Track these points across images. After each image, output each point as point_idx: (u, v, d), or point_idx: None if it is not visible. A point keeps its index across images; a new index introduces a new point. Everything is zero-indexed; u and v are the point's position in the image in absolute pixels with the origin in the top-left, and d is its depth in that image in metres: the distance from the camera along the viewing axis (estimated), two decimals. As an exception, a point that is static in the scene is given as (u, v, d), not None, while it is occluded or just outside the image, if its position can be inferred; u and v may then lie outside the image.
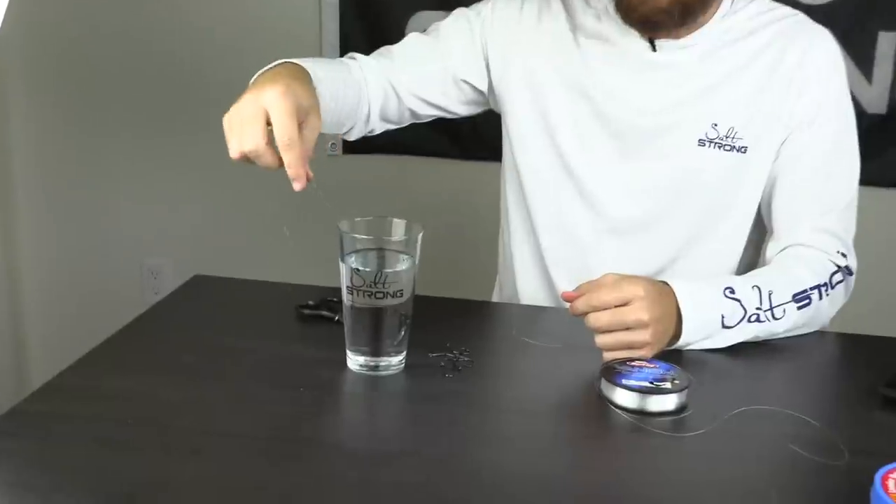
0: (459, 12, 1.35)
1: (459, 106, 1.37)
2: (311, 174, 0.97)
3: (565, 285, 1.29)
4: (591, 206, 1.30)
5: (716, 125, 1.24)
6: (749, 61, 1.24)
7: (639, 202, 1.29)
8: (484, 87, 1.35)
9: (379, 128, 1.35)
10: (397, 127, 1.37)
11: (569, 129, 1.29)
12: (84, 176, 2.51)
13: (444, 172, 2.30)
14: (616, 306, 1.05)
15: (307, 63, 1.11)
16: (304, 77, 1.05)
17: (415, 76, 1.32)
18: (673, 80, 1.25)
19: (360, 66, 1.30)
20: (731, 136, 1.24)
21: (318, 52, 2.29)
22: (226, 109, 0.98)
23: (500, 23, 1.32)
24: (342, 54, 2.19)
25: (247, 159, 0.97)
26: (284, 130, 0.95)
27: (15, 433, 0.91)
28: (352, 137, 1.34)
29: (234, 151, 0.97)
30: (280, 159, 0.96)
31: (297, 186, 0.96)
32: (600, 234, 1.31)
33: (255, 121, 0.95)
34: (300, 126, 0.97)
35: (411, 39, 1.35)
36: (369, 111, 1.30)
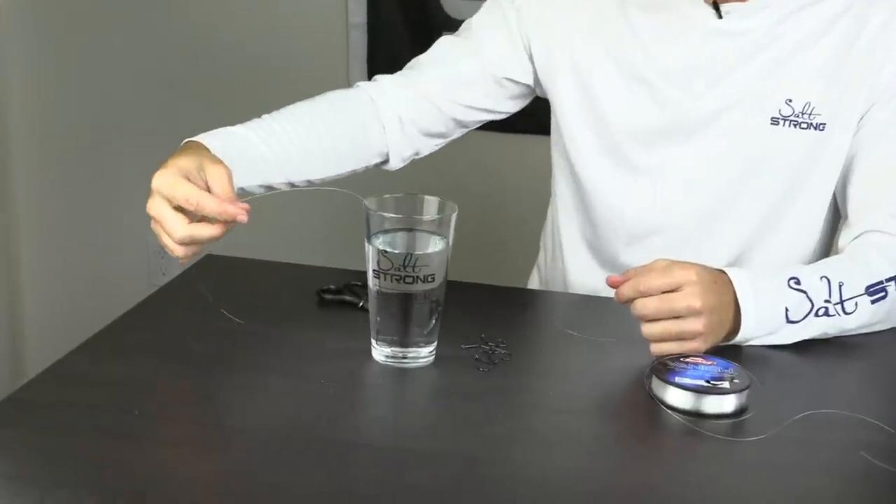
0: (492, 3, 1.35)
1: (506, 103, 1.37)
2: (245, 206, 1.02)
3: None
4: (649, 198, 1.30)
5: (790, 101, 1.23)
6: (826, 27, 1.22)
7: (703, 192, 1.28)
8: (529, 81, 1.35)
9: (425, 147, 1.36)
10: (447, 141, 1.38)
11: (621, 115, 1.29)
12: (85, 149, 2.53)
13: (482, 146, 2.29)
14: (666, 292, 1.05)
15: (212, 135, 1.15)
16: (191, 148, 1.10)
17: (449, 83, 1.32)
18: (741, 51, 1.23)
19: (367, 91, 1.31)
20: (808, 112, 1.23)
21: (346, 66, 2.31)
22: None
23: (538, 7, 1.31)
24: (370, 69, 2.15)
25: (193, 242, 1.03)
26: (183, 196, 1.01)
27: (12, 423, 0.92)
28: (391, 167, 1.34)
29: (177, 250, 1.03)
30: (215, 223, 1.02)
31: (241, 219, 1.01)
32: (659, 228, 1.31)
33: (164, 213, 1.02)
34: (204, 182, 1.03)
35: (441, 43, 1.35)
36: (388, 137, 1.30)
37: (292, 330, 1.12)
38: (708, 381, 0.99)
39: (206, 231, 1.02)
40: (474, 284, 1.25)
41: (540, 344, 1.16)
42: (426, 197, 1.06)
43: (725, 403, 0.98)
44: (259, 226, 2.57)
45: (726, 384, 0.99)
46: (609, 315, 1.18)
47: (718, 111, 1.25)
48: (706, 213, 1.28)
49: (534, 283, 1.52)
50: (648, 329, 1.06)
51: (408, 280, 1.01)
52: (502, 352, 1.09)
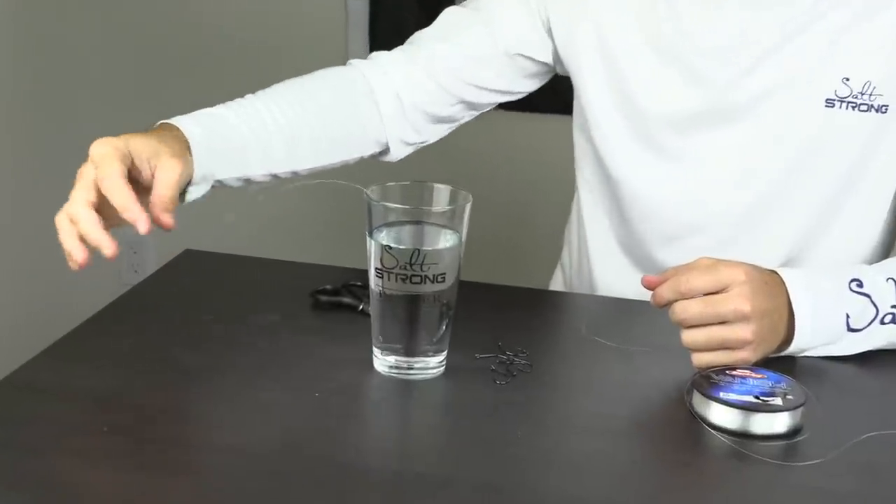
0: None
1: (522, 82, 1.37)
2: (168, 221, 1.01)
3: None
4: (686, 190, 1.30)
5: (848, 80, 1.22)
6: None
7: (748, 184, 1.28)
8: (548, 59, 1.35)
9: (432, 133, 1.36)
10: (455, 126, 1.38)
11: (653, 99, 1.29)
12: (51, 128, 2.55)
13: (500, 127, 2.29)
14: (710, 294, 1.04)
15: (191, 118, 1.15)
16: (161, 129, 1.10)
17: (456, 60, 1.32)
18: (792, 23, 1.23)
19: (360, 69, 1.30)
20: (868, 92, 1.22)
21: (344, 37, 2.31)
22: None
23: None
24: (371, 41, 2.21)
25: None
26: (106, 187, 0.99)
27: (-35, 440, 0.92)
28: (392, 158, 1.35)
29: (75, 253, 1.01)
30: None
31: (141, 229, 0.99)
32: (698, 225, 1.31)
33: (81, 202, 1.00)
34: (152, 172, 1.03)
35: (446, 15, 1.35)
36: (385, 122, 1.31)
37: (283, 336, 1.12)
38: (757, 397, 0.99)
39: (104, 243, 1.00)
40: (490, 285, 1.26)
41: (565, 353, 1.16)
42: (436, 185, 1.06)
43: (777, 423, 0.97)
44: (246, 217, 2.61)
45: (778, 400, 0.98)
46: (644, 321, 1.18)
47: (764, 93, 1.24)
48: (751, 208, 1.28)
49: (557, 285, 1.52)
50: (690, 336, 1.05)
51: (415, 280, 1.01)
52: (522, 362, 1.09)
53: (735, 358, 1.05)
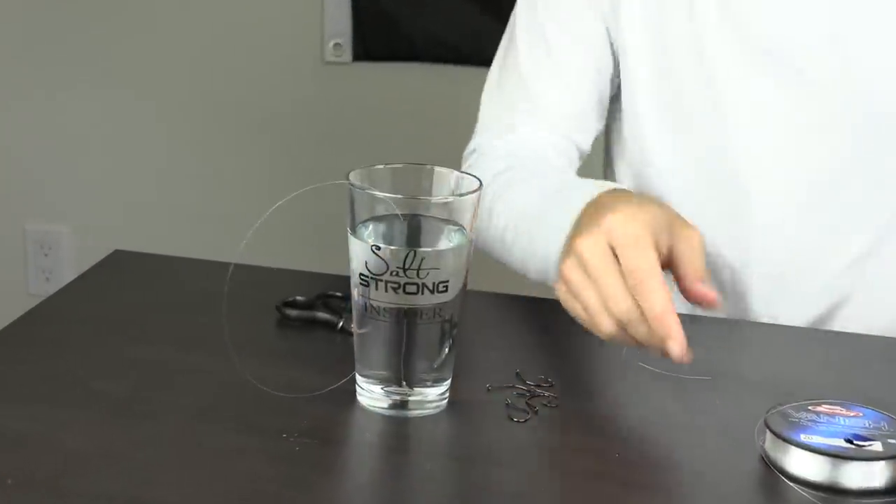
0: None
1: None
2: (712, 295, 1.07)
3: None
4: (746, 163, 1.35)
5: None
6: None
7: (827, 150, 1.32)
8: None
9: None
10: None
11: (694, 59, 1.35)
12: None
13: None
14: None
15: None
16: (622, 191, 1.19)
17: (567, 120, 1.44)
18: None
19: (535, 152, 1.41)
20: None
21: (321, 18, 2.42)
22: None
23: None
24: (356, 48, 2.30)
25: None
26: (635, 267, 1.04)
27: None
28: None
29: (604, 324, 1.06)
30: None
31: (676, 352, 1.02)
32: (763, 205, 1.35)
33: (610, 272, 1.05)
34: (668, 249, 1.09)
35: (531, 74, 1.43)
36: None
37: (241, 362, 1.09)
38: (850, 441, 0.98)
39: (639, 328, 1.04)
40: (505, 296, 1.27)
41: (600, 384, 1.16)
42: (437, 168, 1.05)
43: (876, 474, 0.96)
44: (194, 211, 2.61)
45: (877, 445, 0.97)
46: (701, 339, 1.15)
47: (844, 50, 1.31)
48: (826, 185, 1.34)
49: None
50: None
51: (410, 289, 1.00)
52: (546, 395, 1.08)
53: None
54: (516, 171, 1.36)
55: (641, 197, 1.17)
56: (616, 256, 1.05)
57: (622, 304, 1.03)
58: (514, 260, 1.30)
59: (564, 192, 1.21)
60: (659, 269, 1.04)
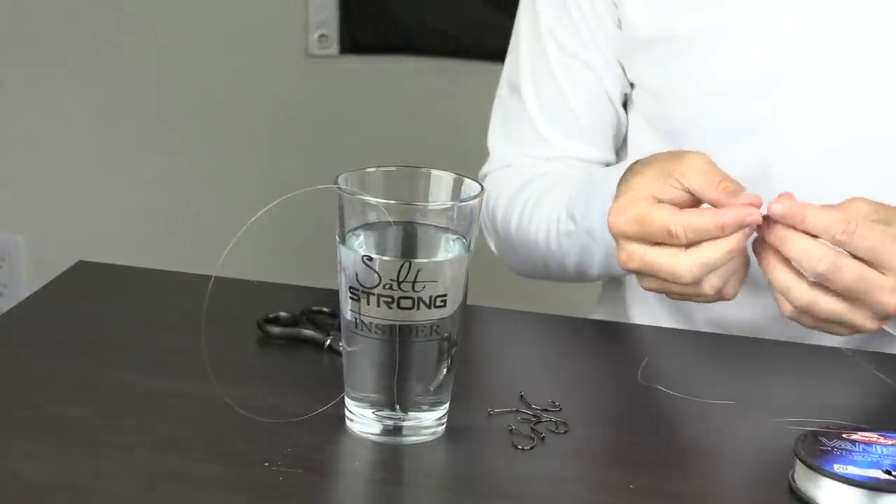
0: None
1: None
2: (754, 199, 1.11)
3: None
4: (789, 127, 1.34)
5: None
6: None
7: (861, 163, 1.32)
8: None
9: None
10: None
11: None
12: None
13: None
14: (865, 260, 1.09)
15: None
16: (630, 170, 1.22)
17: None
18: None
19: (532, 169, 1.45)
20: None
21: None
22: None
23: None
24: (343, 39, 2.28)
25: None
26: (661, 229, 1.12)
27: None
28: None
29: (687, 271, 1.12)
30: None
31: (752, 220, 1.10)
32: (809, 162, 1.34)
33: (648, 259, 1.14)
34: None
35: (539, 116, 1.46)
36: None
37: (219, 383, 1.07)
38: (889, 472, 0.96)
39: (711, 253, 1.10)
40: (509, 312, 1.25)
41: (613, 408, 1.14)
42: (434, 171, 1.05)
43: (916, 508, 0.95)
44: (165, 222, 2.59)
45: None
46: (722, 361, 1.19)
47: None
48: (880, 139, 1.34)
49: (602, 311, 1.55)
50: (822, 303, 1.10)
51: (404, 304, 0.99)
52: (554, 420, 1.07)
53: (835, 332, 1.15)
54: (539, 182, 1.40)
55: (641, 163, 1.20)
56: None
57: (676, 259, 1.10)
58: (569, 258, 1.36)
59: (597, 177, 1.31)
60: (672, 215, 1.10)
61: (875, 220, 1.10)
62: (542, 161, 1.45)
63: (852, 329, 1.13)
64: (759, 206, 1.09)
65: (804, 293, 1.10)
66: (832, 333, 1.16)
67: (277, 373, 1.14)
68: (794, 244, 1.09)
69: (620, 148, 1.48)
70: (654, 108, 1.41)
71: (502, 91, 1.50)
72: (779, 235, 1.10)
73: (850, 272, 1.09)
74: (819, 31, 1.32)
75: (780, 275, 1.11)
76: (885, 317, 1.11)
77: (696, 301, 1.15)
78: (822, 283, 1.10)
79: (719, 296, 1.12)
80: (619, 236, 1.13)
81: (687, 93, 1.38)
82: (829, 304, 1.10)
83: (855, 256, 1.09)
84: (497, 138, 1.49)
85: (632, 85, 1.44)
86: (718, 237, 1.10)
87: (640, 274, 1.14)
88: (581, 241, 1.33)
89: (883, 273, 1.09)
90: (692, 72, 1.37)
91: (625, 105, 1.46)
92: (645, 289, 1.16)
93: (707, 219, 1.09)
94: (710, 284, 1.11)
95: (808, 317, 1.12)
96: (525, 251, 1.41)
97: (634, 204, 1.12)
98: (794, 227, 1.09)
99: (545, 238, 1.37)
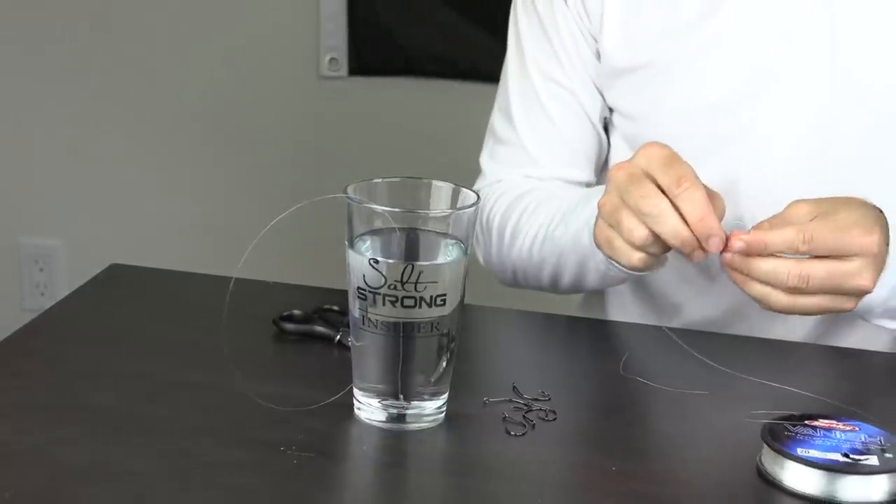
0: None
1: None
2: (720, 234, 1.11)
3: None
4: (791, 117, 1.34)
5: None
6: None
7: (831, 165, 1.33)
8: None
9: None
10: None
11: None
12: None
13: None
14: (833, 257, 1.10)
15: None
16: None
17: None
18: None
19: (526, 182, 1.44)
20: None
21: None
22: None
23: None
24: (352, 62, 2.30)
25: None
26: (637, 197, 1.12)
27: None
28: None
29: (633, 256, 1.14)
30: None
31: (714, 247, 1.10)
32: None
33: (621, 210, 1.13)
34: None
35: (529, 139, 1.46)
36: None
37: (239, 375, 1.10)
38: (846, 455, 0.98)
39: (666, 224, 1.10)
40: (502, 310, 1.26)
41: (597, 397, 1.15)
42: (435, 182, 1.06)
43: (873, 488, 0.96)
44: (189, 226, 2.59)
45: (874, 459, 0.97)
46: (700, 354, 1.17)
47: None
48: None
49: (588, 308, 1.54)
50: (802, 303, 1.11)
51: (407, 303, 1.01)
52: (544, 409, 1.08)
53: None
54: (535, 193, 1.40)
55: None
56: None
57: (659, 204, 1.10)
58: (547, 265, 1.34)
59: (587, 194, 1.28)
60: (699, 179, 1.10)
61: (817, 216, 1.11)
62: (535, 180, 1.45)
63: (840, 311, 1.14)
64: (721, 238, 1.09)
65: (782, 298, 1.10)
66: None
67: (292, 366, 1.16)
68: (760, 268, 1.10)
69: (602, 169, 1.48)
70: (632, 129, 1.41)
71: (494, 116, 1.50)
72: (744, 264, 1.10)
73: (819, 274, 1.09)
74: (780, 56, 1.32)
75: (756, 287, 1.11)
76: (863, 294, 1.12)
77: (615, 222, 1.14)
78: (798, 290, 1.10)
79: (629, 238, 1.12)
80: (638, 162, 1.13)
81: (661, 115, 1.38)
82: (808, 302, 1.11)
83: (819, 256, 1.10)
84: (489, 159, 1.50)
85: (611, 110, 1.44)
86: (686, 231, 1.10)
87: (603, 208, 1.14)
88: (562, 246, 1.31)
89: (848, 259, 1.10)
90: (665, 96, 1.37)
91: (605, 129, 1.46)
92: (601, 204, 1.15)
93: (699, 209, 1.10)
94: (642, 240, 1.12)
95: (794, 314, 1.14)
96: (516, 257, 1.39)
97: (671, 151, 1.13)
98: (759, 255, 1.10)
99: (530, 244, 1.35)
